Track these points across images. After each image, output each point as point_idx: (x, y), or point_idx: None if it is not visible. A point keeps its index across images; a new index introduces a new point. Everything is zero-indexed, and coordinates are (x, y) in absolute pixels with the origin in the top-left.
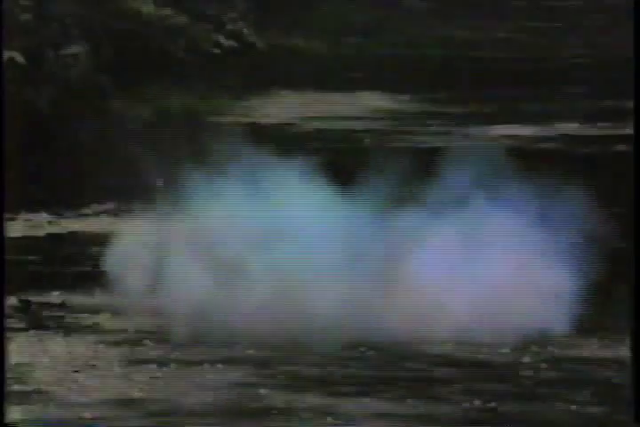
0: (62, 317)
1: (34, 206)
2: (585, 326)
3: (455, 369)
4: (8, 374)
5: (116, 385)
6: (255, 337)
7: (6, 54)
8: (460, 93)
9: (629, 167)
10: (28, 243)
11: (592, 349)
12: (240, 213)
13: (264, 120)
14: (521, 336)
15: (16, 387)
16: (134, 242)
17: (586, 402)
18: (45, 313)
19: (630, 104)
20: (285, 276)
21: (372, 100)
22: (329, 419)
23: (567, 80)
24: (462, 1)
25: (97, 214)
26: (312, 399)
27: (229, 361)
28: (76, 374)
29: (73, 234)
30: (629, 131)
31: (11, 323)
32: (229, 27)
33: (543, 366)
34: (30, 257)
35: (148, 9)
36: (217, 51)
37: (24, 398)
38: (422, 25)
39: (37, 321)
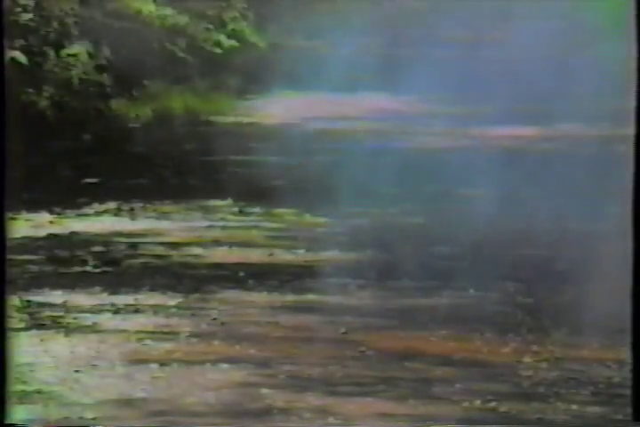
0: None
1: (35, 206)
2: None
3: None
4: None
5: None
6: None
7: (8, 54)
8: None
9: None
10: (29, 243)
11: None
12: None
13: (266, 120)
14: None
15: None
16: None
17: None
18: (47, 313)
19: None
20: None
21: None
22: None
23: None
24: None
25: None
26: None
27: None
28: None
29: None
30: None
31: (12, 323)
32: (230, 26)
33: None
34: (31, 257)
35: (148, 8)
36: (218, 50)
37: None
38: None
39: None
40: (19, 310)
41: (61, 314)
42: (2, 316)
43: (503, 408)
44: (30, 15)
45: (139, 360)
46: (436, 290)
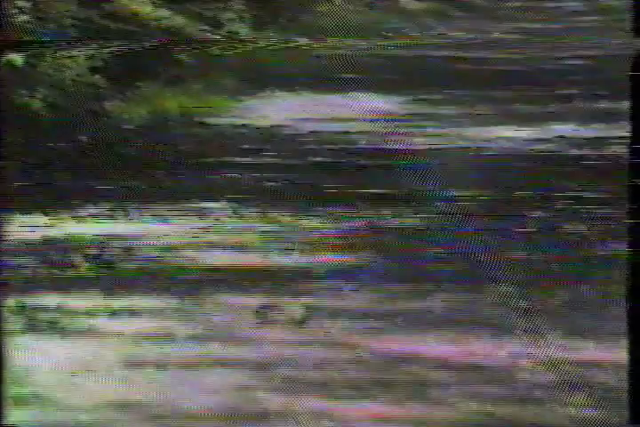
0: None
1: (30, 208)
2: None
3: None
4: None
5: None
6: None
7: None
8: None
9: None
10: (24, 245)
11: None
12: None
13: (260, 121)
14: None
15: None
16: None
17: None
18: (42, 316)
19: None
20: None
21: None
22: None
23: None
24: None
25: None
26: None
27: None
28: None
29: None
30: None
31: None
32: (227, 27)
33: None
34: (26, 259)
35: (145, 10)
36: (215, 51)
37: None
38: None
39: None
40: (14, 312)
41: (56, 317)
42: None
43: (500, 412)
44: (27, 17)
45: (134, 363)
46: (431, 293)
